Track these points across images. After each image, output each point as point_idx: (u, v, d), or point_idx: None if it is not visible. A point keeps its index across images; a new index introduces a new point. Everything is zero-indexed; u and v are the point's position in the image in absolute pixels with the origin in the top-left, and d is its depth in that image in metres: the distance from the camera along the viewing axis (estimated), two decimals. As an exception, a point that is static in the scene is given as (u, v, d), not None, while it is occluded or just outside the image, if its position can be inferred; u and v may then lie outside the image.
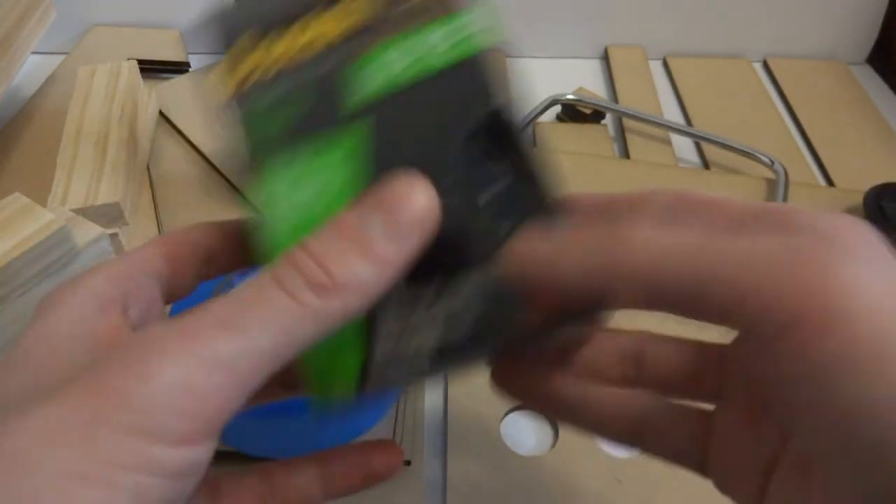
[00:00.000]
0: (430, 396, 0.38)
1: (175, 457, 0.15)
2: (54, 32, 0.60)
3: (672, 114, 0.62)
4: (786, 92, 0.64)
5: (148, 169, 0.52)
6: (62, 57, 0.64)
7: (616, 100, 0.62)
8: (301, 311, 0.16)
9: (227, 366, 0.15)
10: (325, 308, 0.16)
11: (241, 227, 0.21)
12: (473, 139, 0.20)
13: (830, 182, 0.54)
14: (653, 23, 0.67)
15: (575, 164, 0.51)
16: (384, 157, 0.19)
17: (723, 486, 0.21)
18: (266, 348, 0.15)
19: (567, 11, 0.66)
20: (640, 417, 0.22)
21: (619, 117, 0.59)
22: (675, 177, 0.52)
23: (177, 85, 0.60)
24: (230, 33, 0.20)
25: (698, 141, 0.57)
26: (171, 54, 0.64)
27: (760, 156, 0.52)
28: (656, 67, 0.67)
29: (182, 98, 0.58)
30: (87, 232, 0.37)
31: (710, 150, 0.56)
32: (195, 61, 0.63)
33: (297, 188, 0.19)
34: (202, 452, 0.15)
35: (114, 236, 0.43)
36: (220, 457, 0.17)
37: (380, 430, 0.35)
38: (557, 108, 0.57)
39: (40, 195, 0.40)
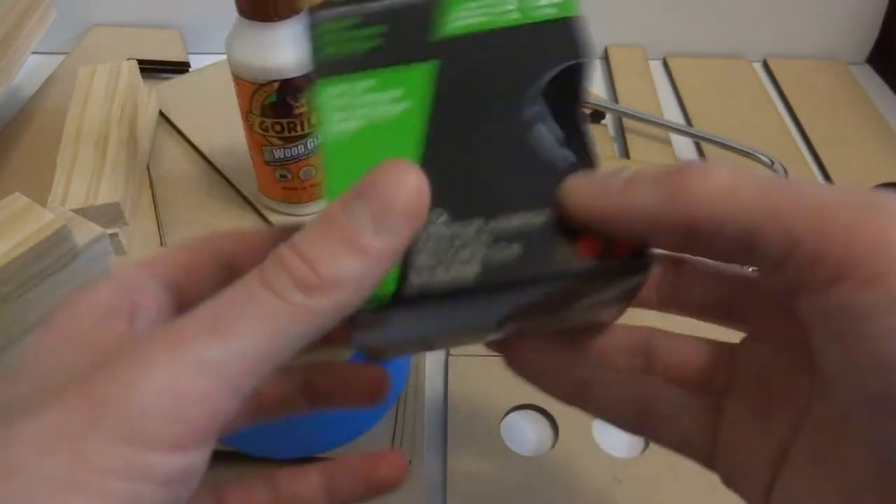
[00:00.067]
0: (430, 396, 0.38)
1: (166, 463, 0.15)
2: (54, 32, 0.60)
3: (672, 114, 0.62)
4: (786, 92, 0.64)
5: (148, 169, 0.52)
6: (62, 57, 0.64)
7: (616, 100, 0.62)
8: (290, 311, 0.15)
9: (215, 369, 0.15)
10: (315, 306, 0.15)
11: (267, 236, 0.21)
12: (545, 93, 0.20)
13: (830, 182, 0.54)
14: (653, 23, 0.68)
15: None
16: (449, 96, 0.20)
17: (729, 480, 0.21)
18: (256, 350, 0.15)
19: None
20: (647, 404, 0.22)
21: (619, 117, 0.59)
22: (675, 177, 0.52)
23: (177, 85, 0.61)
24: None
25: (698, 141, 0.57)
26: (171, 54, 0.64)
27: (760, 156, 0.52)
28: (656, 67, 0.67)
29: (182, 98, 0.58)
30: (87, 232, 0.37)
31: (710, 150, 0.56)
32: (195, 61, 0.63)
33: (345, 119, 0.20)
34: (195, 458, 0.15)
35: (114, 236, 0.43)
36: (220, 457, 0.17)
37: (380, 429, 0.35)
38: (557, 108, 0.57)
39: (40, 195, 0.40)
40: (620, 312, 0.22)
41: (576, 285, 0.19)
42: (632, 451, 0.36)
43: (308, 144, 0.44)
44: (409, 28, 0.21)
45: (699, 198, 0.17)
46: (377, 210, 0.16)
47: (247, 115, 0.43)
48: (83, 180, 0.44)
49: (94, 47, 0.65)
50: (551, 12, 0.21)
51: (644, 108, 0.59)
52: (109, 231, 0.42)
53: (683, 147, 0.57)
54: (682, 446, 0.22)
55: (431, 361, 0.40)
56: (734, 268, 0.22)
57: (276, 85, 0.40)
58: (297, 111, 0.42)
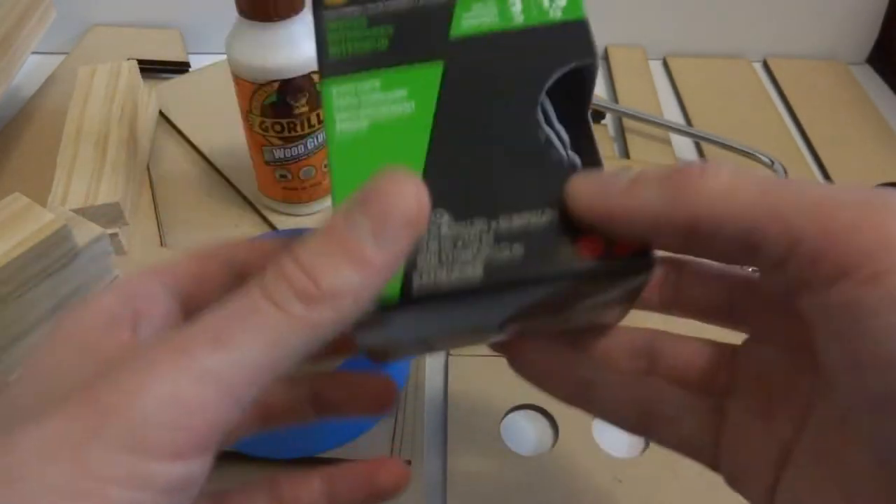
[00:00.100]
0: (430, 396, 0.38)
1: (167, 471, 0.15)
2: (54, 32, 0.60)
3: (672, 114, 0.62)
4: (786, 92, 0.64)
5: (148, 169, 0.52)
6: (62, 57, 0.64)
7: (616, 100, 0.62)
8: (290, 322, 0.15)
9: (216, 379, 0.15)
10: (315, 318, 0.15)
11: (279, 246, 0.21)
12: (551, 94, 0.20)
13: (830, 182, 0.54)
14: (653, 23, 0.68)
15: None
16: (455, 97, 0.20)
17: (733, 481, 0.21)
18: (256, 361, 0.15)
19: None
20: (650, 406, 0.22)
21: (619, 117, 0.59)
22: (675, 177, 0.52)
23: (177, 85, 0.61)
24: None
25: (698, 141, 0.57)
26: (171, 54, 0.64)
27: (760, 156, 0.52)
28: (656, 67, 0.67)
29: (182, 98, 0.58)
30: (87, 232, 0.37)
31: (710, 150, 0.56)
32: (195, 61, 0.63)
33: (351, 119, 0.20)
34: (196, 467, 0.15)
35: (114, 236, 0.43)
36: (221, 457, 0.17)
37: (380, 429, 0.35)
38: (557, 108, 0.57)
39: (40, 195, 0.40)
40: (624, 313, 0.22)
41: (579, 285, 0.19)
42: (632, 451, 0.36)
43: (308, 144, 0.44)
44: (415, 29, 0.21)
45: (700, 198, 0.17)
46: (377, 222, 0.16)
47: (247, 115, 0.43)
48: (83, 180, 0.44)
49: (94, 47, 0.65)
50: (558, 14, 0.21)
51: (644, 108, 0.59)
52: (109, 231, 0.42)
53: (683, 147, 0.57)
54: (684, 447, 0.22)
55: (431, 361, 0.40)
56: (735, 269, 0.22)
57: (276, 85, 0.40)
58: (297, 111, 0.42)
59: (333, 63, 0.21)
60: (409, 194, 0.16)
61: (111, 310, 0.18)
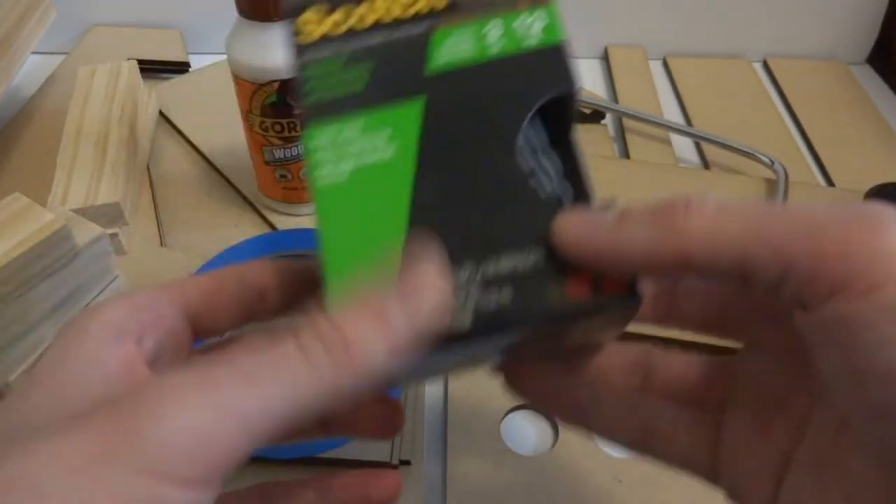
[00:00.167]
0: (430, 396, 0.38)
1: (180, 498, 0.15)
2: (54, 32, 0.60)
3: (672, 114, 0.62)
4: (786, 92, 0.64)
5: (148, 169, 0.52)
6: (62, 57, 0.64)
7: (616, 100, 0.62)
8: (316, 377, 0.16)
9: (239, 418, 0.15)
10: (337, 381, 0.16)
11: (300, 270, 0.22)
12: (534, 123, 0.20)
13: (830, 182, 0.54)
14: (653, 23, 0.68)
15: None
16: (438, 134, 0.20)
17: (734, 494, 0.21)
18: (279, 407, 0.16)
19: (567, 11, 0.65)
20: (647, 423, 0.22)
21: (619, 117, 0.59)
22: (675, 177, 0.52)
23: (177, 85, 0.61)
24: (291, 7, 0.21)
25: (698, 141, 0.57)
26: (171, 54, 0.64)
27: (760, 156, 0.52)
28: (656, 67, 0.67)
29: (182, 98, 0.58)
30: (87, 232, 0.37)
31: (710, 150, 0.56)
32: (195, 61, 0.63)
33: (335, 165, 0.20)
34: (205, 496, 0.16)
35: (114, 236, 0.43)
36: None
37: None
38: (557, 108, 0.57)
39: (40, 195, 0.40)
40: (617, 334, 0.23)
41: (569, 323, 0.19)
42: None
43: (308, 144, 0.44)
44: (395, 65, 0.20)
45: (688, 234, 0.17)
46: (412, 306, 0.17)
47: (247, 115, 0.43)
48: (83, 180, 0.44)
49: (94, 47, 0.65)
50: (534, 42, 0.21)
51: (644, 108, 0.59)
52: (109, 231, 0.42)
53: (683, 147, 0.57)
54: (683, 463, 0.22)
55: (431, 361, 0.40)
56: None
57: (276, 85, 0.40)
58: (297, 111, 0.42)
59: (313, 109, 0.20)
60: (442, 286, 0.18)
61: (118, 322, 0.19)
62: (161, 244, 0.46)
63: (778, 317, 0.20)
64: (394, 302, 0.17)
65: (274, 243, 0.42)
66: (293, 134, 0.43)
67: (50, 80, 0.61)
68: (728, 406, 0.22)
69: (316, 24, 0.21)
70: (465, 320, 0.19)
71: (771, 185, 0.51)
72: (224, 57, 0.42)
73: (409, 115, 0.20)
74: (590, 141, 0.56)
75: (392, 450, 0.34)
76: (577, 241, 0.18)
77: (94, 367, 0.18)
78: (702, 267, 0.17)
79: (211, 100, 0.57)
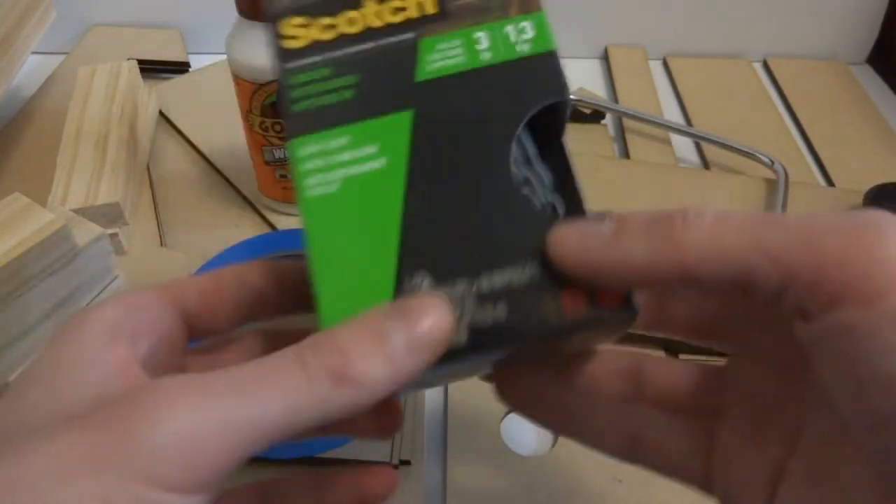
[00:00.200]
0: (431, 397, 0.38)
1: (173, 502, 0.15)
2: (54, 32, 0.60)
3: (672, 114, 0.62)
4: (786, 92, 0.64)
5: (148, 169, 0.52)
6: (62, 57, 0.64)
7: (616, 100, 0.62)
8: (311, 395, 0.16)
9: (233, 428, 0.16)
10: (334, 397, 0.16)
11: (299, 270, 0.22)
12: (525, 131, 0.20)
13: (830, 182, 0.54)
14: (653, 23, 0.68)
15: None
16: (427, 147, 0.20)
17: (729, 503, 0.21)
18: (274, 420, 0.16)
19: (567, 11, 0.66)
20: (638, 431, 0.22)
21: (619, 117, 0.59)
22: (675, 177, 0.52)
23: (177, 85, 0.61)
24: (275, 13, 0.21)
25: (698, 141, 0.57)
26: (171, 54, 0.64)
27: (760, 156, 0.52)
28: (656, 67, 0.67)
29: (182, 98, 0.58)
30: (87, 232, 0.37)
31: (710, 150, 0.56)
32: (195, 61, 0.63)
33: (323, 181, 0.19)
34: (199, 501, 0.16)
35: (114, 236, 0.43)
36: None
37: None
38: (557, 108, 0.57)
39: (40, 195, 0.40)
40: (611, 340, 0.23)
41: (565, 337, 0.19)
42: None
43: (308, 144, 0.44)
44: (382, 76, 0.20)
45: (687, 246, 0.17)
46: (414, 332, 0.17)
47: (247, 115, 0.43)
48: (83, 180, 0.44)
49: (94, 47, 0.65)
50: (525, 49, 0.20)
51: (644, 108, 0.59)
52: (109, 231, 0.42)
53: (683, 147, 0.57)
54: (675, 472, 0.22)
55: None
56: None
57: (276, 85, 0.40)
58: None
59: (298, 120, 0.20)
60: (445, 315, 0.18)
61: (113, 323, 0.19)
62: (161, 244, 0.46)
63: (770, 324, 0.20)
64: (394, 322, 0.17)
65: (274, 243, 0.42)
66: (293, 134, 0.43)
67: (50, 80, 0.61)
68: (721, 414, 0.21)
69: (302, 28, 0.20)
70: (461, 337, 0.19)
71: (771, 185, 0.51)
72: (224, 57, 0.42)
73: (398, 126, 0.20)
74: (590, 141, 0.56)
75: (392, 450, 0.34)
76: (574, 254, 0.18)
77: (90, 368, 0.18)
78: (701, 279, 0.17)
79: (211, 100, 0.57)
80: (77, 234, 0.36)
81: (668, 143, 0.57)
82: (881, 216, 0.16)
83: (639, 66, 0.66)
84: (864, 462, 0.17)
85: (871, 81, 0.67)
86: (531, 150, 0.21)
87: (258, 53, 0.39)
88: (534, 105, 0.20)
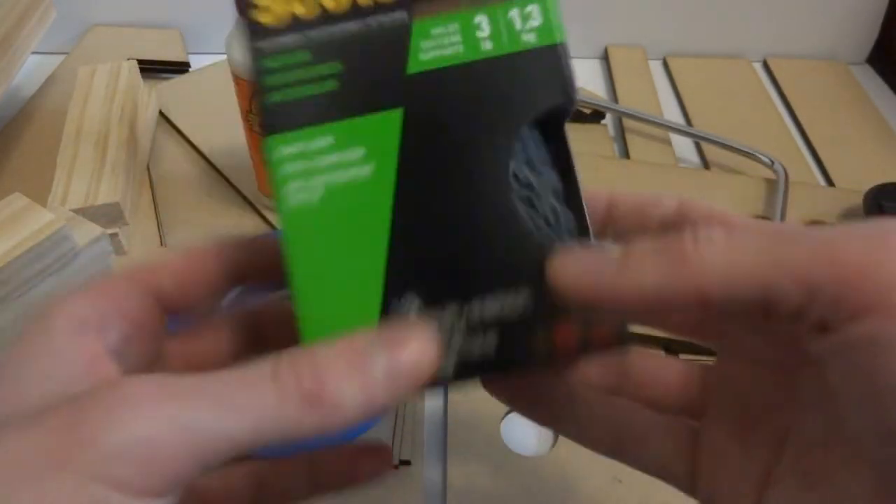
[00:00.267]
0: (430, 396, 0.38)
1: None
2: (54, 32, 0.60)
3: (672, 114, 0.62)
4: (786, 92, 0.64)
5: (148, 169, 0.52)
6: (62, 57, 0.64)
7: (616, 100, 0.62)
8: (280, 414, 0.16)
9: (195, 436, 0.15)
10: (304, 419, 0.16)
11: (270, 244, 0.21)
12: (531, 132, 0.18)
13: (830, 182, 0.54)
14: (653, 23, 0.67)
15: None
16: (419, 152, 0.18)
17: None
18: (238, 433, 0.15)
19: (567, 11, 0.65)
20: (622, 426, 0.22)
21: (619, 117, 0.59)
22: (675, 177, 0.52)
23: (177, 85, 0.60)
24: None
25: (698, 141, 0.57)
26: (171, 54, 0.64)
27: (760, 156, 0.52)
28: (656, 67, 0.67)
29: (182, 98, 0.58)
30: (87, 232, 0.37)
31: (710, 150, 0.56)
32: (195, 61, 0.63)
33: (304, 187, 0.18)
34: None
35: (114, 236, 0.43)
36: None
37: (380, 430, 0.35)
38: (557, 108, 0.57)
39: (40, 195, 0.40)
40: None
41: (553, 367, 0.19)
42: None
43: (308, 144, 0.44)
44: (368, 65, 0.18)
45: (705, 267, 0.16)
46: (393, 360, 0.16)
47: (247, 115, 0.43)
48: (83, 180, 0.44)
49: (94, 47, 0.65)
50: (531, 39, 0.18)
51: (644, 108, 0.59)
52: (109, 231, 0.42)
53: (683, 147, 0.57)
54: (659, 471, 0.22)
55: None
56: None
57: (276, 85, 0.40)
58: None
59: (276, 114, 0.18)
60: (428, 347, 0.17)
61: (80, 314, 0.18)
62: (161, 244, 0.46)
63: (762, 325, 0.20)
64: (377, 350, 0.16)
65: (274, 243, 0.42)
66: (293, 134, 0.43)
67: (50, 80, 0.61)
68: (707, 414, 0.21)
69: (271, 3, 0.18)
70: (447, 367, 0.18)
71: (771, 185, 0.51)
72: (224, 57, 0.42)
73: (388, 127, 0.18)
74: (590, 141, 0.56)
75: (392, 450, 0.34)
76: (577, 285, 0.17)
77: (57, 362, 0.17)
78: (719, 301, 0.16)
79: (211, 100, 0.57)
80: (77, 234, 0.36)
81: (668, 143, 0.57)
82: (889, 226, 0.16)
83: (639, 66, 0.66)
84: (862, 465, 0.17)
85: (871, 81, 0.67)
86: (537, 151, 0.19)
87: (258, 53, 0.39)
88: (537, 109, 0.18)
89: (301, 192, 0.18)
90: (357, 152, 0.18)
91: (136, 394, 0.15)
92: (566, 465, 0.35)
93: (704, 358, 0.23)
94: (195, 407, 0.15)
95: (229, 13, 0.45)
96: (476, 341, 0.18)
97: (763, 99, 0.63)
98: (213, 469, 0.16)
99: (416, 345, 0.17)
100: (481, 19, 0.18)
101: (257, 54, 0.18)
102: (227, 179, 0.51)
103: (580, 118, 0.57)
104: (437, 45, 0.18)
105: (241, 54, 0.40)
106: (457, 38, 0.18)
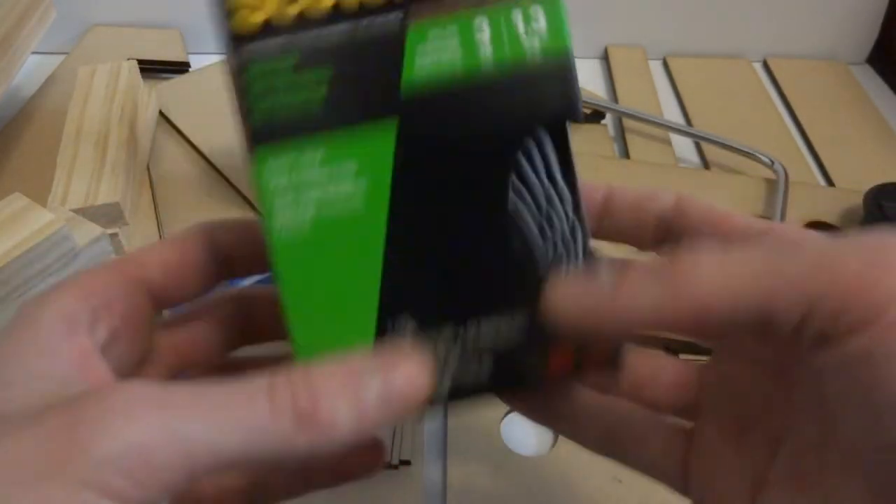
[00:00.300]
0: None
1: None
2: (54, 32, 0.60)
3: (672, 114, 0.62)
4: (786, 92, 0.64)
5: (148, 169, 0.52)
6: (62, 57, 0.64)
7: (616, 100, 0.62)
8: (273, 430, 0.16)
9: (186, 447, 0.15)
10: (296, 438, 0.16)
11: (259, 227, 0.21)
12: (548, 142, 0.18)
13: (830, 182, 0.54)
14: (653, 23, 0.67)
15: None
16: (415, 166, 0.17)
17: None
18: (228, 449, 0.15)
19: (567, 11, 0.66)
20: (615, 424, 0.22)
21: (619, 117, 0.59)
22: (675, 177, 0.52)
23: (177, 85, 0.60)
24: None
25: (698, 141, 0.57)
26: (171, 54, 0.64)
27: (760, 156, 0.52)
28: (656, 67, 0.67)
29: (182, 98, 0.58)
30: (87, 232, 0.37)
31: (710, 150, 0.56)
32: (195, 61, 0.63)
33: (293, 204, 0.17)
34: None
35: (114, 236, 0.43)
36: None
37: (380, 429, 0.35)
38: (557, 108, 0.57)
39: (40, 195, 0.40)
40: None
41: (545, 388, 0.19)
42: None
43: (308, 144, 0.43)
44: (360, 71, 0.17)
45: (704, 285, 0.16)
46: (388, 384, 0.16)
47: (247, 115, 0.43)
48: (83, 180, 0.44)
49: (94, 47, 0.65)
50: (535, 45, 0.17)
51: (644, 108, 0.59)
52: (109, 231, 0.42)
53: (683, 147, 0.57)
54: (653, 471, 0.22)
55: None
56: None
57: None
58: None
59: (262, 123, 0.17)
60: (423, 374, 0.17)
61: (70, 311, 0.18)
62: (161, 244, 0.46)
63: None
64: (371, 372, 0.16)
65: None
66: (293, 134, 0.43)
67: (50, 80, 0.61)
68: (700, 414, 0.21)
69: (254, 3, 0.16)
70: (442, 392, 0.18)
71: (771, 185, 0.51)
72: (224, 57, 0.42)
73: (381, 141, 0.17)
74: (590, 141, 0.56)
75: (392, 450, 0.34)
76: (573, 313, 0.17)
77: (48, 361, 0.17)
78: (718, 321, 0.16)
79: (211, 100, 0.57)
80: (77, 234, 0.36)
81: (668, 143, 0.57)
82: (881, 239, 0.16)
83: (639, 66, 0.66)
84: (856, 471, 0.17)
85: (871, 81, 0.67)
86: (555, 161, 0.18)
87: (258, 53, 0.39)
88: (540, 122, 0.17)
89: (289, 209, 0.17)
90: (348, 168, 0.17)
91: (131, 401, 0.15)
92: (566, 465, 0.35)
93: (704, 358, 0.23)
94: (189, 417, 0.15)
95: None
96: (471, 364, 0.18)
97: (763, 99, 0.63)
98: (202, 478, 0.16)
99: (410, 368, 0.17)
100: (482, 21, 0.17)
101: (240, 60, 0.17)
102: (227, 179, 0.51)
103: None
104: (434, 51, 0.17)
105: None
106: (455, 42, 0.17)
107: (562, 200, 0.18)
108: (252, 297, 0.23)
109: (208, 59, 0.62)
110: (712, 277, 0.16)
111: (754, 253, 0.16)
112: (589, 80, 0.65)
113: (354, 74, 0.17)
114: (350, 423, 0.16)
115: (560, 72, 0.17)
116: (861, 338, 0.15)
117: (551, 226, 0.18)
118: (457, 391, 0.18)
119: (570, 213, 0.18)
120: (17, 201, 0.36)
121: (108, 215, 0.43)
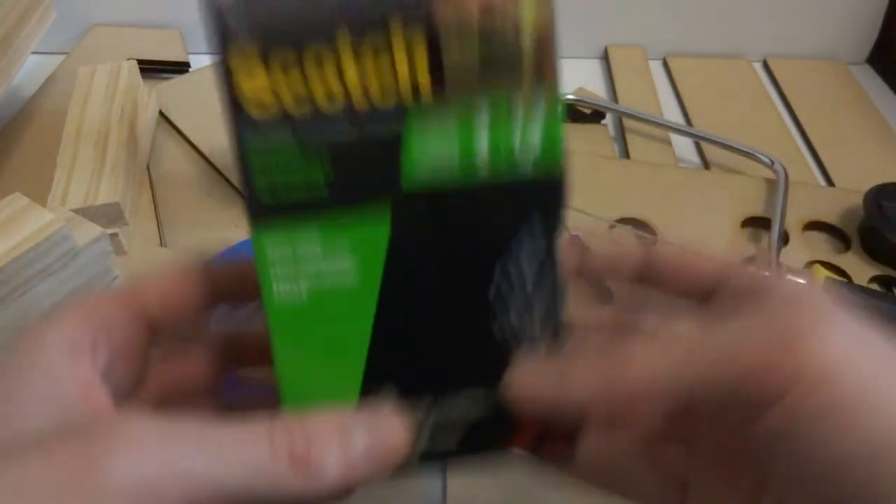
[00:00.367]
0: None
1: None
2: (54, 32, 0.60)
3: (672, 114, 0.62)
4: (786, 92, 0.64)
5: (148, 169, 0.52)
6: (62, 57, 0.64)
7: (616, 100, 0.62)
8: (271, 470, 0.16)
9: (191, 482, 0.16)
10: (290, 480, 0.17)
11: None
12: (532, 226, 0.19)
13: (830, 182, 0.54)
14: (653, 23, 0.68)
15: (575, 165, 0.51)
16: (405, 257, 0.18)
17: None
18: (230, 485, 0.16)
19: (567, 11, 0.65)
20: (611, 461, 0.23)
21: (619, 117, 0.59)
22: (675, 177, 0.52)
23: (177, 85, 0.61)
24: (226, 32, 0.17)
25: (698, 141, 0.57)
26: (171, 54, 0.64)
27: (760, 156, 0.52)
28: (656, 67, 0.67)
29: (182, 98, 0.58)
30: (87, 232, 0.37)
31: (710, 150, 0.56)
32: (195, 61, 0.63)
33: (289, 281, 0.18)
34: None
35: (114, 236, 0.43)
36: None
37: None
38: (557, 108, 0.57)
39: (40, 195, 0.40)
40: None
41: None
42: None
43: (308, 144, 0.44)
44: (362, 161, 0.18)
45: (630, 381, 0.18)
46: (374, 441, 0.18)
47: (247, 115, 0.43)
48: (83, 180, 0.44)
49: (94, 47, 0.65)
50: (528, 170, 0.18)
51: (644, 108, 0.59)
52: (109, 231, 0.42)
53: (683, 147, 0.57)
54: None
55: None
56: None
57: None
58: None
59: (263, 205, 0.18)
60: (405, 434, 0.18)
61: (73, 337, 0.18)
62: (161, 244, 0.46)
63: None
64: (360, 429, 0.18)
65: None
66: (293, 134, 0.43)
67: (50, 80, 0.61)
68: (693, 446, 0.22)
69: (263, 85, 0.17)
70: (416, 456, 0.19)
71: (771, 185, 0.51)
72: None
73: (376, 227, 0.18)
74: (590, 141, 0.56)
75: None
76: (527, 396, 0.19)
77: (51, 385, 0.17)
78: (650, 405, 0.19)
79: (211, 100, 0.56)
80: (77, 235, 0.36)
81: (668, 143, 0.57)
82: (805, 310, 0.18)
83: (639, 66, 0.66)
84: None
85: (871, 81, 0.67)
86: (539, 258, 0.19)
87: (258, 53, 0.39)
88: (528, 236, 0.19)
89: (286, 283, 0.18)
90: (343, 254, 0.18)
91: (138, 434, 0.16)
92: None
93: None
94: (195, 453, 0.16)
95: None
96: (445, 431, 0.20)
97: (763, 99, 0.63)
98: None
99: (394, 428, 0.18)
100: (481, 130, 0.18)
101: (244, 140, 0.17)
102: (227, 179, 0.51)
103: (580, 118, 0.57)
104: (432, 160, 0.18)
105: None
106: (454, 153, 0.18)
107: (541, 289, 0.19)
108: (239, 331, 0.23)
109: (208, 59, 0.62)
110: (637, 374, 0.18)
111: (673, 351, 0.18)
112: (589, 80, 0.65)
113: (357, 164, 0.18)
114: (338, 471, 0.17)
115: (551, 190, 0.19)
116: (775, 414, 0.17)
117: (529, 311, 0.20)
118: (429, 454, 0.20)
119: (548, 299, 0.20)
120: (17, 201, 0.36)
121: (108, 215, 0.43)
